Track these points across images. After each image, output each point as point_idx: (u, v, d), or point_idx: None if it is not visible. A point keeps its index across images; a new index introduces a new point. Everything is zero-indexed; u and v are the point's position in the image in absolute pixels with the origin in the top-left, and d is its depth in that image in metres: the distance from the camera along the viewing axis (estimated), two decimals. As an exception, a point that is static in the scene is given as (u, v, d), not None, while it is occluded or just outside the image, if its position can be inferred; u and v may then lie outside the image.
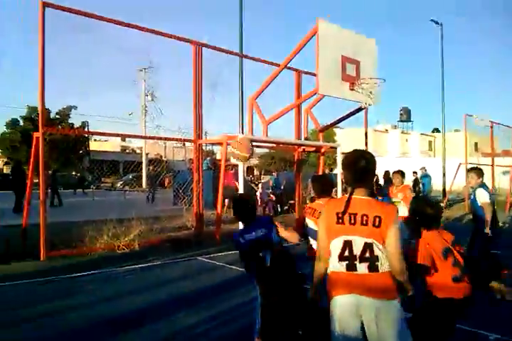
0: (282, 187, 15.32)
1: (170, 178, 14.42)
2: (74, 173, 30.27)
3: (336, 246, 2.44)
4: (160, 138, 9.03)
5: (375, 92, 8.46)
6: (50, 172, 15.32)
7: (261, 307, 3.20)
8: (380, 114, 53.10)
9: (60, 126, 32.30)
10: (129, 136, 9.27)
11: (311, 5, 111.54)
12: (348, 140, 22.43)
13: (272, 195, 14.62)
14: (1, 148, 40.60)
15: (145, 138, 10.62)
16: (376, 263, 2.37)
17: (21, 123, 39.74)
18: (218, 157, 22.91)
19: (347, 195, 2.47)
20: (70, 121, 39.55)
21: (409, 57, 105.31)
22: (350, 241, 2.40)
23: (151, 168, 16.73)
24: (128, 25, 7.97)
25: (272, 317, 3.10)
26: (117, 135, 8.79)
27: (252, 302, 3.55)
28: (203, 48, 9.10)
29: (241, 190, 8.46)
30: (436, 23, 26.15)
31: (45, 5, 6.81)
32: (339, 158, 10.87)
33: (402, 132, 52.44)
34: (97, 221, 8.22)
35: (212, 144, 11.69)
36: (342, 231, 2.42)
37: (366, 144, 13.48)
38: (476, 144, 37.52)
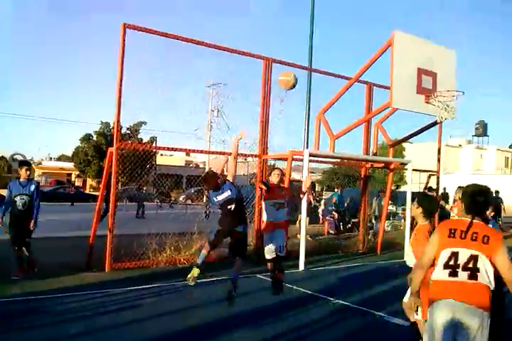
0: (346, 205, 14.76)
1: None
2: (140, 187, 31.36)
3: (444, 256, 2.79)
4: (222, 153, 9.01)
5: (452, 106, 7.96)
6: (133, 186, 15.75)
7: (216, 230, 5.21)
8: (453, 127, 50.50)
9: (130, 141, 33.70)
10: (193, 151, 9.30)
11: (383, 17, 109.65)
12: (418, 155, 21.35)
13: (334, 213, 14.10)
14: (75, 161, 43.24)
15: (208, 152, 10.66)
16: (477, 273, 2.70)
17: (94, 138, 42.07)
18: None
19: (467, 219, 2.86)
20: (139, 136, 41.41)
21: (492, 67, 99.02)
22: (457, 252, 2.76)
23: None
24: (200, 43, 8.11)
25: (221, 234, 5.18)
26: (182, 150, 8.89)
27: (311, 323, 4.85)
28: (273, 63, 9.03)
29: (303, 208, 8.21)
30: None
31: (126, 26, 7.13)
32: (409, 174, 10.27)
33: (477, 147, 49.34)
34: (161, 234, 8.27)
35: (276, 159, 11.50)
36: (452, 243, 2.79)
37: (439, 160, 12.66)
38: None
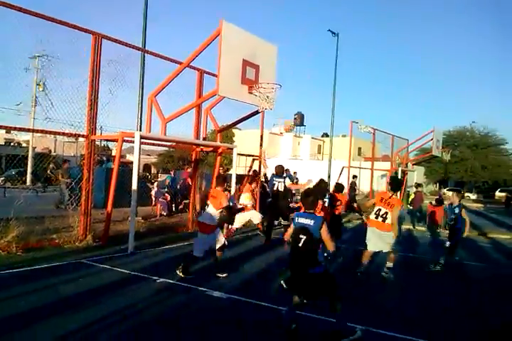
0: (178, 187, 15.14)
1: (62, 173, 13.26)
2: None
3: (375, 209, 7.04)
4: (47, 132, 8.28)
5: (272, 97, 8.75)
6: None
7: None
8: (277, 117, 55.10)
9: None
10: (14, 129, 8.30)
11: (218, 5, 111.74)
12: (246, 141, 22.94)
13: (167, 194, 14.36)
14: None
15: (32, 131, 9.55)
16: (386, 218, 7.00)
17: None
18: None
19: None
20: None
21: (308, 65, 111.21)
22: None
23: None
24: (27, 12, 7.26)
25: None
26: (1, 127, 7.78)
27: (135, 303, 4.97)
28: (104, 40, 8.61)
29: (133, 190, 8.16)
30: (333, 33, 28.01)
31: None
32: (235, 159, 11.10)
33: (295, 136, 55.17)
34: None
35: (108, 140, 11.09)
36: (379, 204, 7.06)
37: (261, 146, 13.95)
38: (359, 149, 41.04)
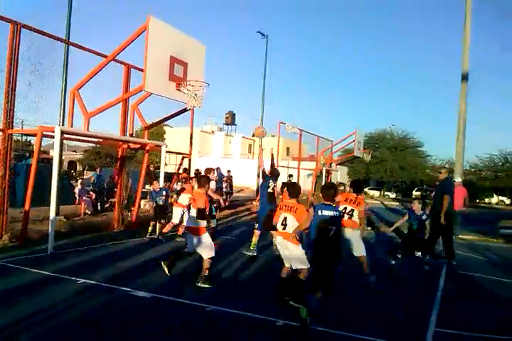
0: (105, 184, 14.63)
1: None
2: None
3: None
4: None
5: (200, 95, 8.81)
6: None
7: None
8: (208, 115, 54.97)
9: None
10: None
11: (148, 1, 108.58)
12: (177, 139, 22.71)
13: (92, 193, 13.84)
14: None
15: None
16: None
17: None
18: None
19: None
20: None
21: (239, 65, 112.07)
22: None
23: None
24: None
25: None
26: None
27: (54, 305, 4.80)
28: (23, 29, 8.12)
29: (53, 188, 7.80)
30: (263, 34, 28.51)
31: None
32: (163, 156, 11.00)
33: (227, 134, 55.40)
34: None
35: (27, 135, 10.48)
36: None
37: (191, 144, 13.94)
38: (288, 149, 42.16)
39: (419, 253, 7.86)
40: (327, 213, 4.86)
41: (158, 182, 10.40)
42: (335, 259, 4.89)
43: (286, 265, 5.42)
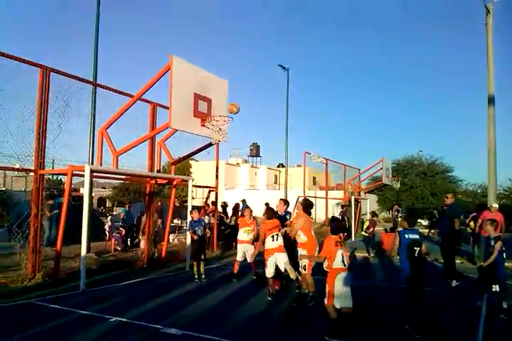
0: (134, 220, 14.78)
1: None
2: None
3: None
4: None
5: (224, 129, 8.96)
6: None
7: None
8: (233, 148, 55.77)
9: None
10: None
11: (168, 39, 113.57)
12: (202, 172, 22.98)
13: (121, 229, 13.98)
14: None
15: None
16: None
17: None
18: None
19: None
20: None
21: (262, 97, 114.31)
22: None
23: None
24: None
25: None
26: None
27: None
28: (52, 73, 8.59)
29: (84, 226, 7.90)
30: (283, 67, 29.12)
31: None
32: (190, 191, 11.09)
33: (252, 166, 55.76)
34: None
35: (58, 174, 10.83)
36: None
37: (217, 177, 14.05)
38: (314, 178, 41.96)
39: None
40: (411, 236, 5.69)
41: (198, 212, 9.59)
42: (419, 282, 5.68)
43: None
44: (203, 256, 8.88)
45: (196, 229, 8.77)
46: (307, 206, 7.43)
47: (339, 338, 4.94)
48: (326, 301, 5.19)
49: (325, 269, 5.35)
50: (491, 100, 13.43)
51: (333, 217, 7.02)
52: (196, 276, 8.74)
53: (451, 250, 9.43)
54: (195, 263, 8.88)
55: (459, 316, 6.53)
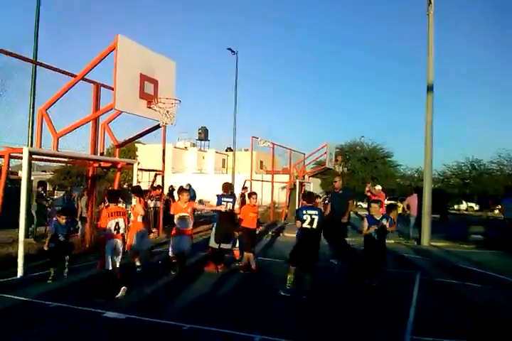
0: (75, 205, 14.31)
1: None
2: None
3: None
4: None
5: (172, 112, 8.84)
6: None
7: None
8: (179, 131, 54.80)
9: None
10: None
11: (114, 18, 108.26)
12: (149, 156, 22.53)
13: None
14: None
15: None
16: None
17: None
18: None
19: None
20: None
21: (211, 80, 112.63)
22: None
23: None
24: None
25: None
26: None
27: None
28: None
29: (22, 210, 7.59)
30: (233, 51, 28.90)
31: None
32: (135, 174, 10.89)
33: (200, 150, 55.30)
34: None
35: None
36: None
37: (164, 161, 13.88)
38: (261, 163, 42.43)
39: None
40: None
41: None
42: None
43: None
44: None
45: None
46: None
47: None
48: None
49: None
50: (430, 88, 14.11)
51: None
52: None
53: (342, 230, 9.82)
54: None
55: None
